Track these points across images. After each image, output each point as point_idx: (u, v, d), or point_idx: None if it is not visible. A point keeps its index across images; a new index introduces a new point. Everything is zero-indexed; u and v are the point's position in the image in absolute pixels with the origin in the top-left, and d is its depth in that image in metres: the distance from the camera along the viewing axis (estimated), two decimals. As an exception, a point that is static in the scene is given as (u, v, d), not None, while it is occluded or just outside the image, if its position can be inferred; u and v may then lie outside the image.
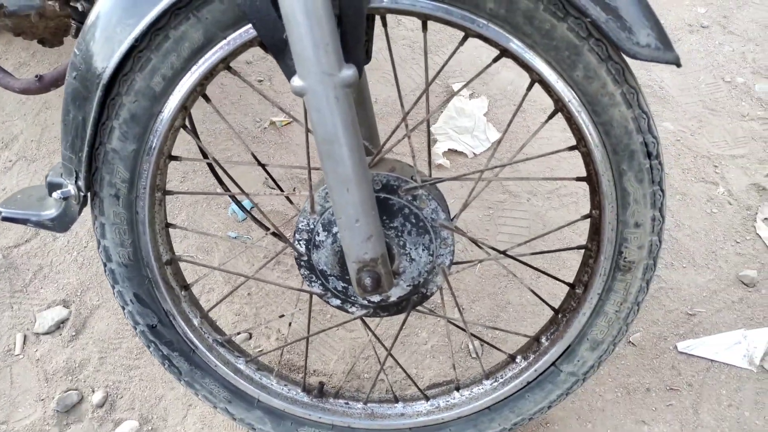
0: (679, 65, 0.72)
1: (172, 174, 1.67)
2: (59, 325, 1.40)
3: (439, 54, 1.95)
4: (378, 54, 1.91)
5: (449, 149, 1.69)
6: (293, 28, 0.67)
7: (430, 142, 0.97)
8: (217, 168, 1.01)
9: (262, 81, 1.94)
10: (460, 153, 1.69)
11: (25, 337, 1.39)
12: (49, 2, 1.19)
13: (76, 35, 1.33)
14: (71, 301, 1.44)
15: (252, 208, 1.55)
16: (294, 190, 1.62)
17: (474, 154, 1.68)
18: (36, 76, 1.26)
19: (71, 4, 1.15)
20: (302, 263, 0.92)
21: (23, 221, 0.92)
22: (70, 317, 1.41)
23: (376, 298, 0.92)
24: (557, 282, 1.19)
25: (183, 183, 1.65)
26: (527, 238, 1.46)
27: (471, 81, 0.85)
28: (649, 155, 0.80)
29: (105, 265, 0.93)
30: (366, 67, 1.92)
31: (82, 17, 1.19)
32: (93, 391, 1.29)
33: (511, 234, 1.48)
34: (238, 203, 1.10)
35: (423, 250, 0.89)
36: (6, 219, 0.93)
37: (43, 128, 1.83)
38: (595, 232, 0.89)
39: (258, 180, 1.62)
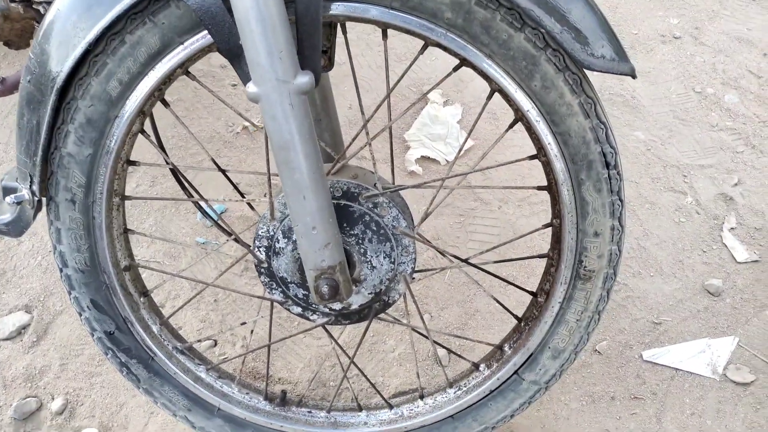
0: (634, 77, 0.73)
1: (141, 177, 1.65)
2: (20, 331, 1.37)
3: (416, 63, 1.95)
4: (356, 57, 1.91)
5: (422, 156, 1.69)
6: (247, 34, 0.66)
7: (393, 149, 0.97)
8: (179, 173, 1.00)
9: (236, 85, 1.92)
10: (433, 160, 1.69)
11: (-15, 343, 1.36)
12: (13, 4, 1.18)
13: (40, 36, 1.31)
14: (34, 306, 1.41)
15: (222, 213, 1.54)
16: (264, 196, 1.61)
17: (447, 161, 1.68)
18: (0, 78, 1.24)
19: (34, 6, 1.13)
20: (262, 270, 0.91)
21: (-24, 225, 0.90)
22: (32, 323, 1.38)
23: (337, 306, 0.91)
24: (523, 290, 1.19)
25: (152, 187, 1.63)
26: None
27: (430, 91, 0.85)
28: (607, 165, 0.80)
29: (61, 271, 0.92)
30: (340, 73, 1.92)
31: (45, 19, 1.17)
32: (53, 398, 1.27)
33: (482, 242, 1.48)
34: (201, 209, 1.09)
35: (384, 257, 0.88)
36: (-41, 223, 0.91)
37: (12, 131, 1.79)
38: (557, 241, 0.89)
39: (228, 185, 1.61)
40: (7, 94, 1.30)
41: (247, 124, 1.77)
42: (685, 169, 1.62)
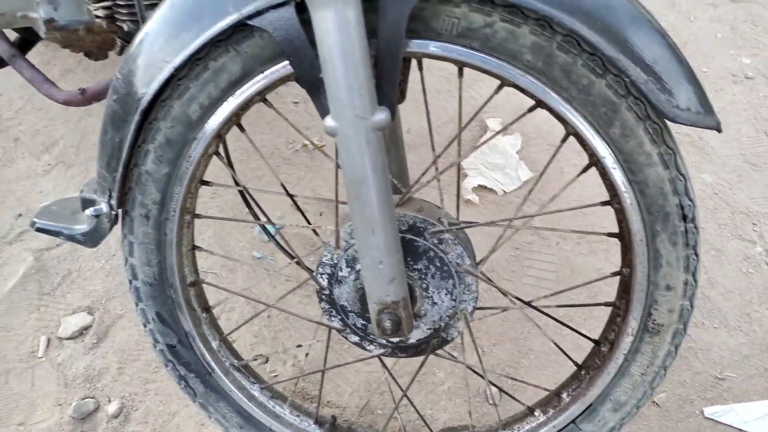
0: (719, 131, 0.70)
1: (203, 190, 1.69)
2: (82, 332, 1.42)
3: (474, 88, 1.95)
4: (412, 85, 1.92)
5: (479, 185, 1.68)
6: (329, 69, 0.67)
7: (460, 183, 0.96)
8: (248, 195, 1.02)
9: (297, 103, 1.96)
10: (490, 189, 1.67)
11: (48, 340, 1.41)
12: (97, 19, 1.24)
13: (120, 52, 1.37)
14: (96, 308, 1.46)
15: (277, 232, 1.56)
16: (321, 215, 1.62)
17: (504, 191, 1.66)
18: (79, 90, 1.30)
19: (117, 23, 1.18)
20: (323, 297, 0.92)
21: (55, 233, 0.94)
22: (94, 324, 1.43)
23: (395, 339, 0.91)
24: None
25: (213, 200, 1.67)
26: (554, 282, 1.44)
27: (507, 127, 0.84)
28: (684, 218, 0.77)
29: (130, 283, 0.94)
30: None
31: (126, 36, 1.23)
32: (109, 401, 1.30)
33: (537, 278, 1.45)
34: (265, 229, 1.11)
35: (446, 294, 0.88)
36: (39, 230, 0.95)
37: (84, 134, 1.87)
38: (624, 290, 0.86)
39: (286, 202, 1.63)
40: (86, 104, 1.36)
41: (306, 142, 1.80)
42: (755, 216, 1.55)
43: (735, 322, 1.35)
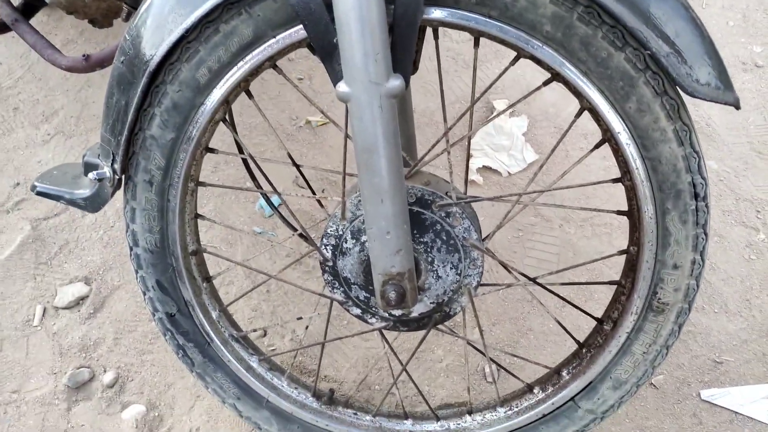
0: (738, 107, 0.69)
1: (205, 163, 1.68)
2: (79, 302, 1.41)
3: (482, 69, 1.93)
4: (423, 63, 1.90)
5: (484, 166, 1.66)
6: (345, 34, 0.66)
7: (469, 158, 0.95)
8: (251, 164, 1.01)
9: (302, 79, 1.93)
10: (495, 171, 1.66)
11: (44, 309, 1.40)
12: (104, -17, 1.21)
13: (126, 19, 1.34)
14: (93, 278, 1.45)
15: (280, 205, 1.55)
16: (323, 192, 1.61)
17: (509, 173, 1.65)
18: (83, 56, 1.27)
19: (125, -13, 1.16)
20: (327, 268, 0.91)
21: (56, 197, 0.93)
22: (90, 295, 1.42)
23: (397, 312, 0.91)
24: (582, 313, 1.16)
25: (214, 173, 1.66)
26: (555, 265, 1.43)
27: (517, 103, 0.83)
28: (696, 196, 0.77)
29: (131, 249, 0.93)
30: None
31: (134, 2, 1.20)
32: (105, 371, 1.30)
33: (539, 259, 1.45)
34: (269, 200, 1.09)
35: (451, 268, 0.87)
36: (40, 193, 0.94)
37: (84, 105, 1.85)
38: (631, 268, 0.86)
39: (288, 177, 1.62)
40: (90, 71, 1.33)
41: (311, 119, 1.78)
42: (759, 204, 1.55)
43: (735, 307, 1.35)
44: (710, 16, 2.05)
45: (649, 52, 0.68)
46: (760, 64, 1.91)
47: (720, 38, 1.99)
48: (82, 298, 1.41)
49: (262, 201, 1.56)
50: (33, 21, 1.52)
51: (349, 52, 0.67)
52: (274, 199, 1.53)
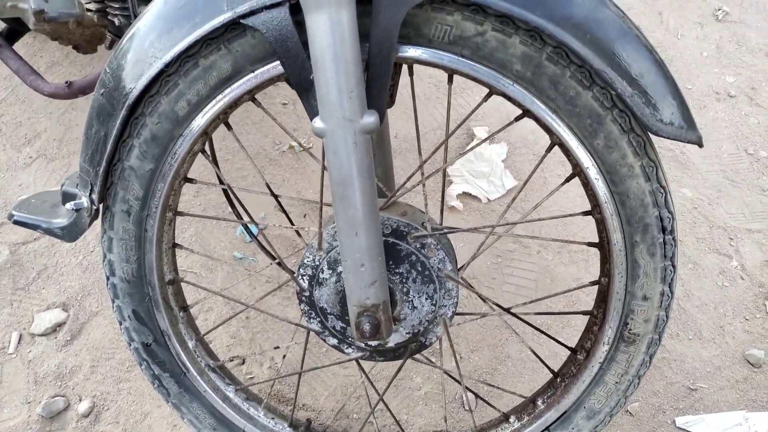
0: (701, 146, 0.72)
1: (186, 188, 1.68)
2: (56, 328, 1.40)
3: (462, 96, 1.96)
4: (401, 90, 1.93)
5: (464, 192, 1.69)
6: (320, 71, 0.68)
7: (445, 189, 0.97)
8: (232, 194, 1.01)
9: (286, 104, 1.95)
10: (474, 197, 1.68)
11: (20, 336, 1.38)
12: (88, 13, 1.22)
13: (109, 46, 1.36)
14: (71, 304, 1.44)
15: (258, 234, 1.55)
16: (305, 217, 1.62)
17: (488, 199, 1.68)
18: (66, 83, 1.28)
19: (109, 17, 1.17)
20: (303, 298, 0.91)
21: (33, 227, 0.93)
22: (68, 321, 1.41)
23: (373, 342, 0.91)
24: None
25: (196, 198, 1.66)
26: (533, 291, 1.45)
27: (493, 135, 0.85)
28: (663, 230, 0.79)
29: (108, 279, 0.93)
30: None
31: (117, 30, 1.22)
32: (80, 400, 1.28)
33: (518, 286, 1.46)
34: (248, 229, 1.10)
35: (426, 299, 0.88)
36: (17, 222, 0.94)
37: (67, 128, 1.85)
38: (602, 299, 0.87)
39: (270, 202, 1.62)
40: (72, 98, 1.34)
41: (293, 144, 1.80)
42: (732, 231, 1.58)
43: (709, 334, 1.37)
44: (685, 46, 2.11)
45: (615, 92, 0.71)
46: (732, 93, 1.97)
47: (694, 68, 2.05)
48: (59, 325, 1.40)
49: (243, 227, 1.57)
50: (19, 42, 1.53)
51: (325, 89, 0.68)
52: (254, 228, 1.54)
